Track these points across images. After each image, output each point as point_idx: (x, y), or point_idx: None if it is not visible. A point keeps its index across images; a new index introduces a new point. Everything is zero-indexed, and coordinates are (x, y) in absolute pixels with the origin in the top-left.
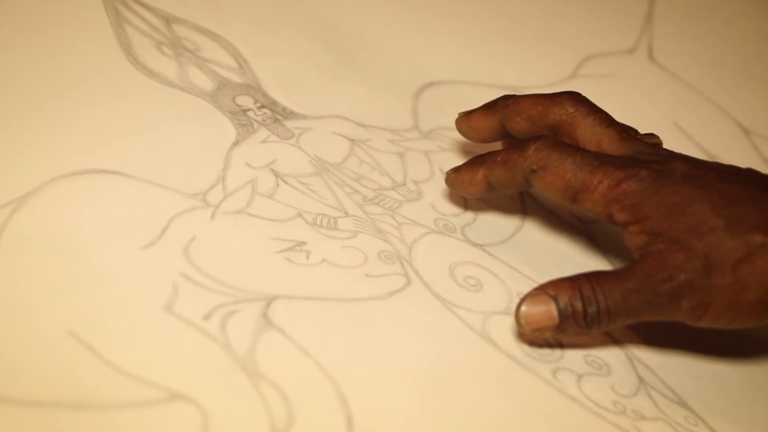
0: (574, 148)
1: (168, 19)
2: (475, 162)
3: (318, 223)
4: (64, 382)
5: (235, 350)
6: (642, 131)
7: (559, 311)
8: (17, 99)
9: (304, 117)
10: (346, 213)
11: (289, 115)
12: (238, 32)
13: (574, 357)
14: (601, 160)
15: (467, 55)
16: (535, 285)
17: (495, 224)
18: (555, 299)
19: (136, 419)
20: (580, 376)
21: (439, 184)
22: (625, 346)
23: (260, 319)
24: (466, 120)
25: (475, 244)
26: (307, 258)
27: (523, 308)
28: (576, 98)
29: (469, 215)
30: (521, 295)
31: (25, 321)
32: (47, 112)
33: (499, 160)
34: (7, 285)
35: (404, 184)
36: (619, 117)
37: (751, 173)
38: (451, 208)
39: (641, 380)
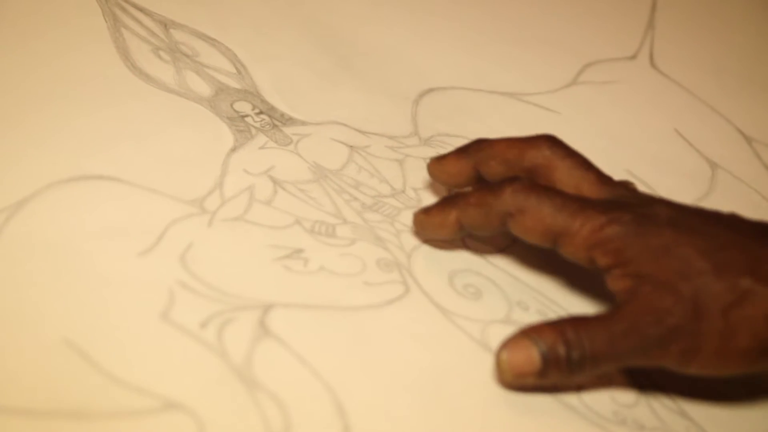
0: (553, 191)
1: (166, 24)
2: (446, 203)
3: (316, 230)
4: (59, 390)
5: (232, 359)
6: (643, 138)
7: (542, 356)
8: (14, 104)
9: (303, 123)
10: (344, 220)
11: (288, 121)
12: (237, 37)
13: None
14: (581, 203)
15: (467, 61)
16: (535, 293)
17: None
18: (537, 344)
19: (132, 428)
20: (579, 386)
21: (439, 192)
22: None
23: (257, 327)
24: (438, 165)
25: (474, 252)
26: (305, 265)
27: (504, 353)
28: (552, 141)
29: None
30: (522, 304)
31: (20, 328)
32: (44, 117)
33: (473, 202)
34: (2, 292)
35: (403, 191)
36: (620, 122)
37: (734, 218)
38: None
39: (641, 390)
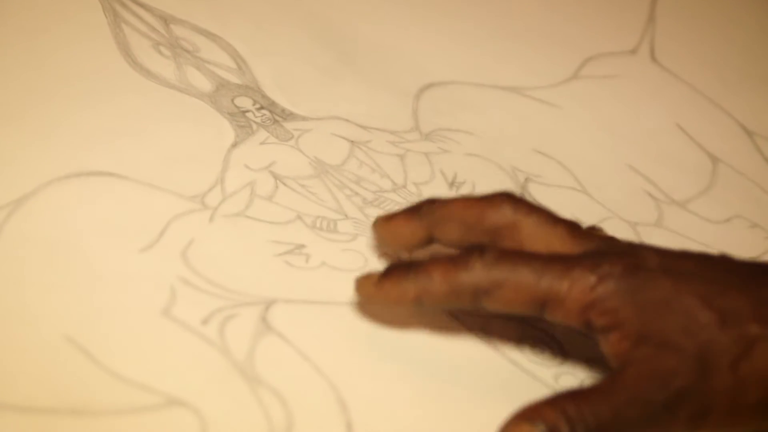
0: (528, 255)
1: (166, 20)
2: (402, 274)
3: (318, 225)
4: (60, 387)
5: (234, 355)
6: (644, 133)
7: None
8: (14, 100)
9: (304, 118)
10: (345, 215)
11: (289, 116)
12: (237, 33)
13: (576, 362)
14: (564, 263)
15: (468, 55)
16: None
17: None
18: (537, 427)
19: (134, 425)
20: (582, 381)
21: (441, 186)
22: None
23: (259, 323)
24: (386, 225)
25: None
26: (307, 261)
27: None
28: (512, 198)
29: None
30: None
31: (21, 325)
32: (44, 114)
33: (438, 274)
34: (3, 289)
35: (405, 186)
36: (621, 116)
37: (726, 259)
38: None
39: None
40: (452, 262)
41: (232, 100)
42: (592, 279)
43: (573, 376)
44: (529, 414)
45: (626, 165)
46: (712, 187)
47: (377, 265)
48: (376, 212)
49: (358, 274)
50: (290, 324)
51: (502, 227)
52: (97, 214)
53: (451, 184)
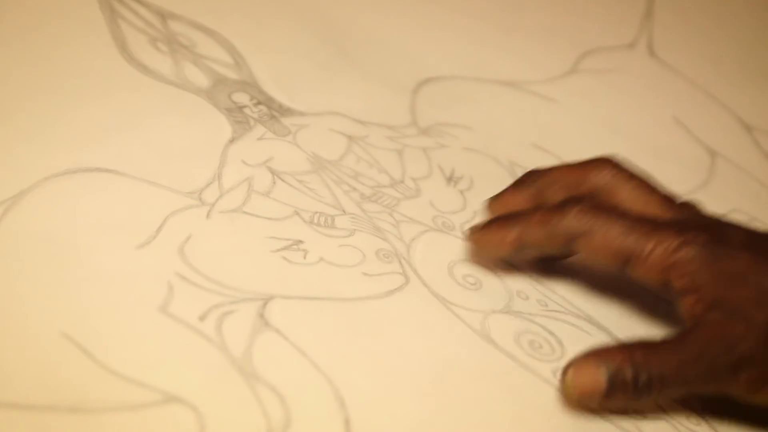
0: (621, 212)
1: (163, 15)
2: (505, 221)
3: (315, 221)
4: (57, 384)
5: (231, 351)
6: (642, 126)
7: (608, 378)
8: (10, 96)
9: (301, 114)
10: (343, 211)
11: (286, 111)
12: (235, 28)
13: (574, 356)
14: (653, 224)
15: (466, 50)
16: (535, 283)
17: None
18: (604, 365)
19: (131, 422)
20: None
21: (438, 181)
22: None
23: (257, 319)
24: (497, 201)
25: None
26: (304, 257)
27: (570, 373)
28: (613, 163)
29: (468, 212)
30: (521, 294)
31: (17, 322)
32: (40, 110)
33: (536, 220)
34: None
35: (402, 182)
36: (619, 110)
37: None
38: (450, 206)
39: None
40: (550, 210)
41: (230, 96)
42: (675, 242)
43: None
44: (599, 353)
45: (624, 159)
46: (710, 181)
47: (375, 261)
48: (373, 207)
49: (355, 269)
50: (288, 320)
51: (601, 189)
52: (94, 211)
53: (449, 179)
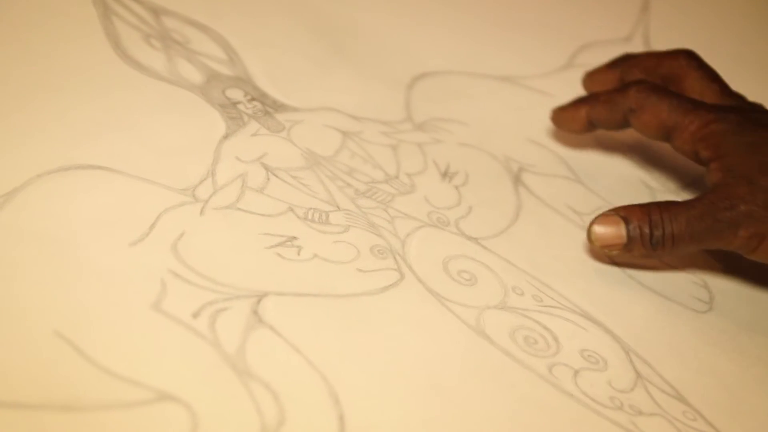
0: (671, 92)
1: (157, 11)
2: (579, 101)
3: (309, 217)
4: (49, 382)
5: (225, 349)
6: None
7: (628, 232)
8: (2, 93)
9: (295, 109)
10: (338, 207)
11: (280, 107)
12: (229, 24)
13: (570, 352)
14: (695, 104)
15: (461, 44)
16: (530, 278)
17: (489, 217)
18: (625, 221)
19: (124, 420)
20: (576, 372)
21: (433, 177)
22: (621, 341)
23: (250, 316)
24: (590, 77)
25: (469, 238)
26: (299, 253)
27: (595, 227)
28: (689, 54)
29: (463, 208)
30: (516, 289)
31: (10, 320)
32: (33, 107)
33: (602, 99)
34: None
35: (397, 177)
36: None
37: None
38: (445, 201)
39: (638, 375)
40: (614, 90)
41: (223, 92)
42: (709, 117)
43: (567, 367)
44: (622, 211)
45: (620, 154)
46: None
47: (369, 257)
48: (368, 203)
49: (350, 266)
50: (282, 317)
51: (673, 75)
52: (87, 208)
53: (444, 175)
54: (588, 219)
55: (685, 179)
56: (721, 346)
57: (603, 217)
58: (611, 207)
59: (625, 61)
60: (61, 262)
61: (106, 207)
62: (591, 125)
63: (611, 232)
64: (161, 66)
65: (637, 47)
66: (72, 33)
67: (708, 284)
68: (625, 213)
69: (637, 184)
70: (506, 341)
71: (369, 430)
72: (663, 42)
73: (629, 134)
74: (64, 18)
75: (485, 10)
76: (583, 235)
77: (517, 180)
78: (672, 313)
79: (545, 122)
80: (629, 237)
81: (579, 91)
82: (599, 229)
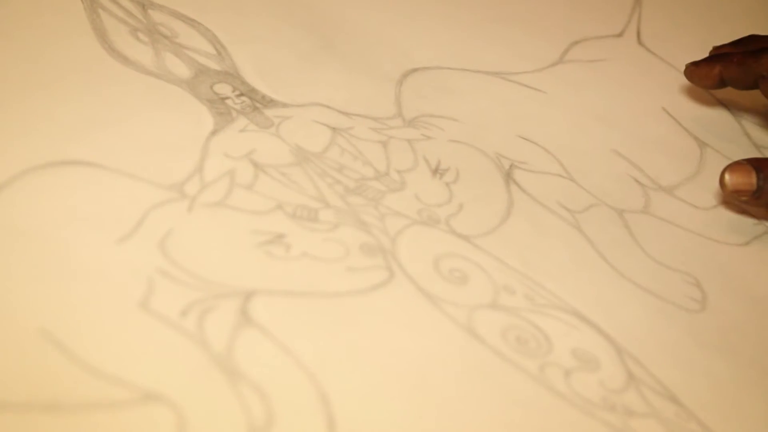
0: None
1: (144, 5)
2: (713, 59)
3: (298, 215)
4: (34, 381)
5: (213, 348)
6: (630, 117)
7: (758, 180)
8: None
9: (284, 105)
10: (327, 204)
11: (269, 103)
12: (217, 18)
13: (562, 352)
14: None
15: (451, 40)
16: (522, 277)
17: (480, 215)
18: (756, 170)
19: (110, 420)
20: (568, 372)
21: (424, 174)
22: (614, 340)
23: (239, 315)
24: (717, 49)
25: (460, 236)
26: (287, 251)
27: (727, 173)
28: None
29: (453, 205)
30: (508, 288)
31: None
32: (19, 102)
33: (736, 61)
34: None
35: (387, 174)
36: (608, 101)
37: None
38: (436, 198)
39: (631, 375)
40: (750, 53)
41: (212, 87)
42: None
43: (558, 367)
44: (754, 162)
45: (612, 150)
46: (699, 172)
47: (359, 255)
48: (358, 200)
49: (339, 264)
50: (270, 316)
51: None
52: (73, 205)
53: (435, 171)
54: (579, 216)
55: (678, 175)
56: (714, 346)
57: (735, 165)
58: (604, 204)
59: (752, 41)
60: (47, 259)
61: (92, 203)
62: (722, 83)
63: (743, 179)
64: (149, 60)
65: (629, 43)
66: (58, 26)
67: (701, 284)
68: (757, 163)
69: (629, 181)
70: (497, 341)
71: (359, 430)
72: (655, 37)
73: (622, 129)
74: (50, 12)
75: (476, 4)
76: (575, 233)
77: (508, 177)
78: (665, 313)
79: (536, 118)
80: (759, 186)
81: (571, 88)
82: (731, 176)
